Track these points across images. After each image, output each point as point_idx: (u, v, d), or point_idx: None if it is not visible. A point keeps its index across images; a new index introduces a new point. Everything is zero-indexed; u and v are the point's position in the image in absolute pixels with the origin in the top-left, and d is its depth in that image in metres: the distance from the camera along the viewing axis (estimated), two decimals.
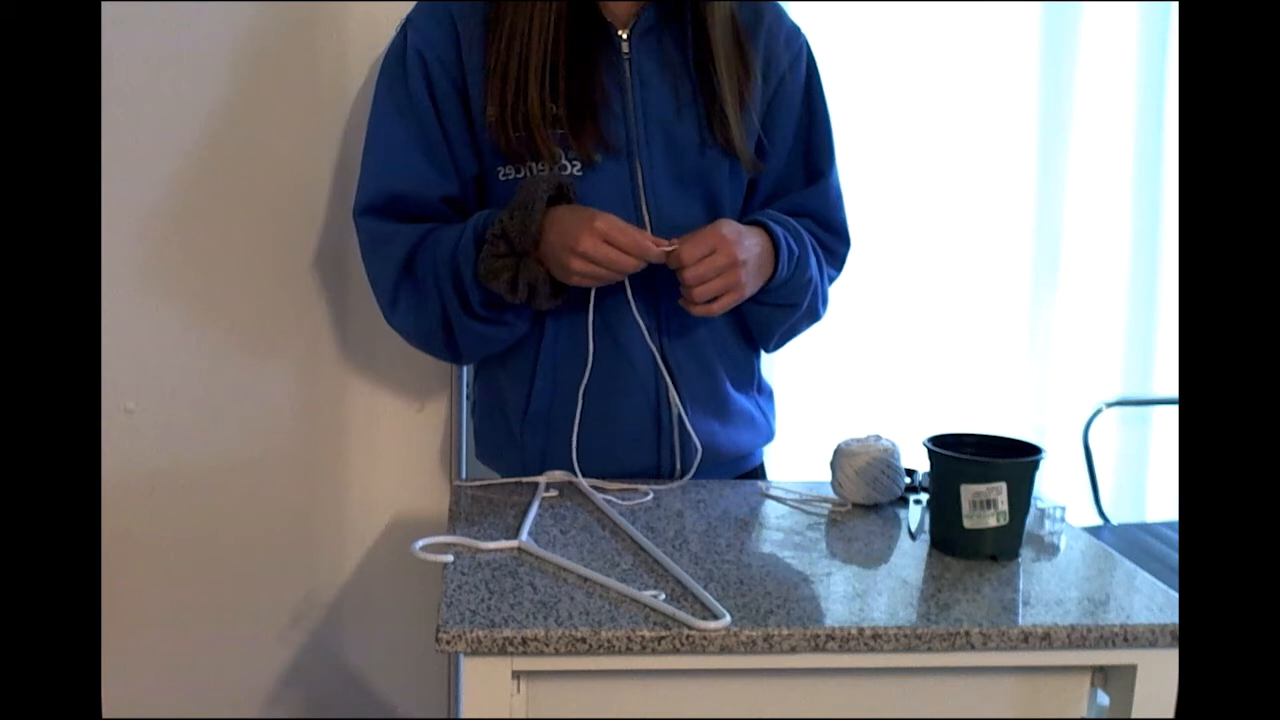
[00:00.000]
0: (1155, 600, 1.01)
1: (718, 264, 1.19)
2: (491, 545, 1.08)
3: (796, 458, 1.74)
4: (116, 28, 1.31)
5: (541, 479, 1.28)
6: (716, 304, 1.21)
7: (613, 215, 1.17)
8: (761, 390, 1.43)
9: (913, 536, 1.16)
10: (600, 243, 1.15)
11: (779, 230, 1.27)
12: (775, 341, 1.41)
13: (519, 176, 1.25)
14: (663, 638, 0.91)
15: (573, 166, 1.24)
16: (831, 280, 1.43)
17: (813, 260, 1.33)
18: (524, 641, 0.90)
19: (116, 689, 1.43)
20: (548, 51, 1.22)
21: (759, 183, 1.37)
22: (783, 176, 1.37)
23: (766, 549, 1.11)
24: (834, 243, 1.41)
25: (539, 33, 1.22)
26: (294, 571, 1.48)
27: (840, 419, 1.97)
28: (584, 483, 1.26)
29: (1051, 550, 1.13)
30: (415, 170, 1.26)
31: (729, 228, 1.21)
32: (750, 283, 1.23)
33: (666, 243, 1.19)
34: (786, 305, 1.33)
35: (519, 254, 1.18)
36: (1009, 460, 1.08)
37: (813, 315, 1.39)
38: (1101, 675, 1.01)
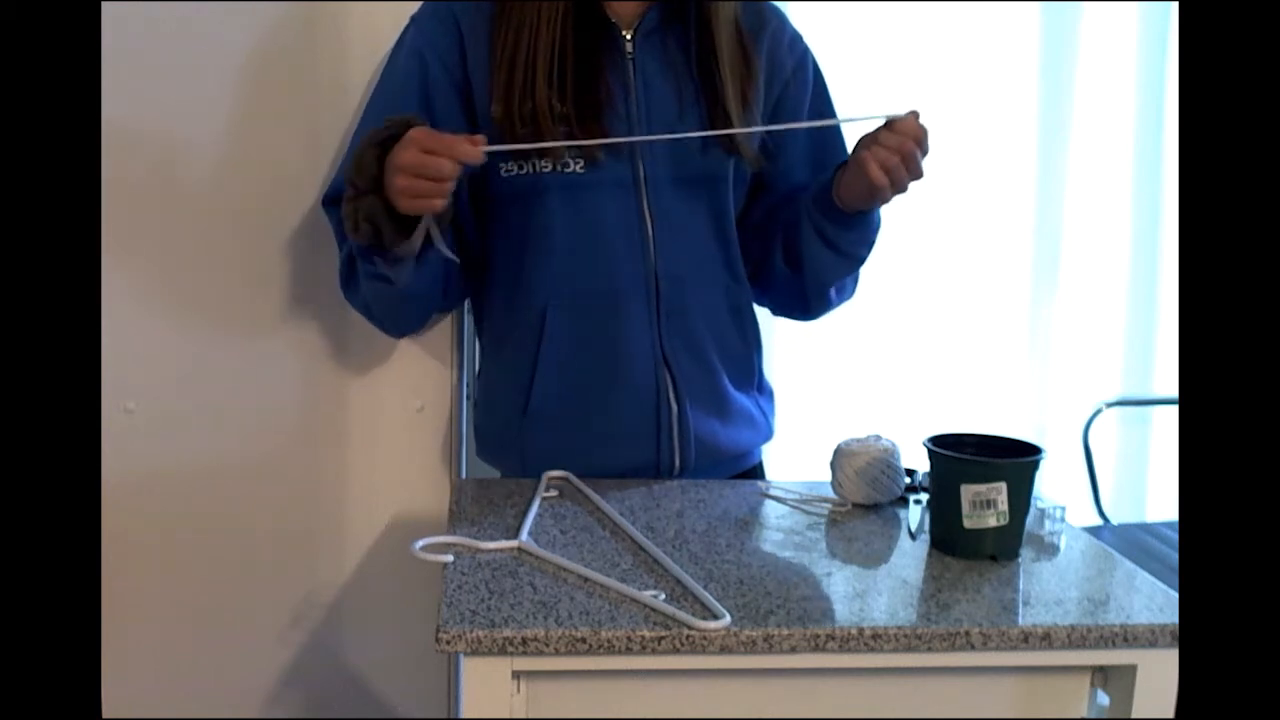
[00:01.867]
0: (1155, 600, 1.01)
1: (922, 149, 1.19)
2: (491, 545, 1.08)
3: (796, 458, 1.74)
4: (117, 28, 1.31)
5: (542, 478, 1.28)
6: (895, 187, 1.20)
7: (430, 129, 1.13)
8: (762, 390, 1.43)
9: (913, 536, 1.16)
10: (418, 152, 1.10)
11: None
12: (824, 302, 1.41)
13: (521, 173, 1.25)
14: (663, 638, 0.91)
15: (576, 164, 1.25)
16: None
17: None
18: (524, 641, 0.90)
19: (116, 689, 1.43)
20: (554, 50, 1.22)
21: (772, 185, 1.38)
22: (795, 183, 1.38)
23: (766, 549, 1.11)
24: None
25: (545, 31, 1.22)
26: (294, 571, 1.48)
27: (840, 419, 1.97)
28: (580, 482, 1.27)
29: (1051, 550, 1.13)
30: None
31: None
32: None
33: (483, 139, 1.12)
34: (853, 256, 1.33)
35: (362, 193, 1.15)
36: (1009, 460, 1.08)
37: (855, 283, 1.42)
38: (1101, 675, 1.01)
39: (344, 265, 1.29)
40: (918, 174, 1.20)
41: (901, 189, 1.21)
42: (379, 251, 1.19)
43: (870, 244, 1.34)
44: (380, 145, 1.14)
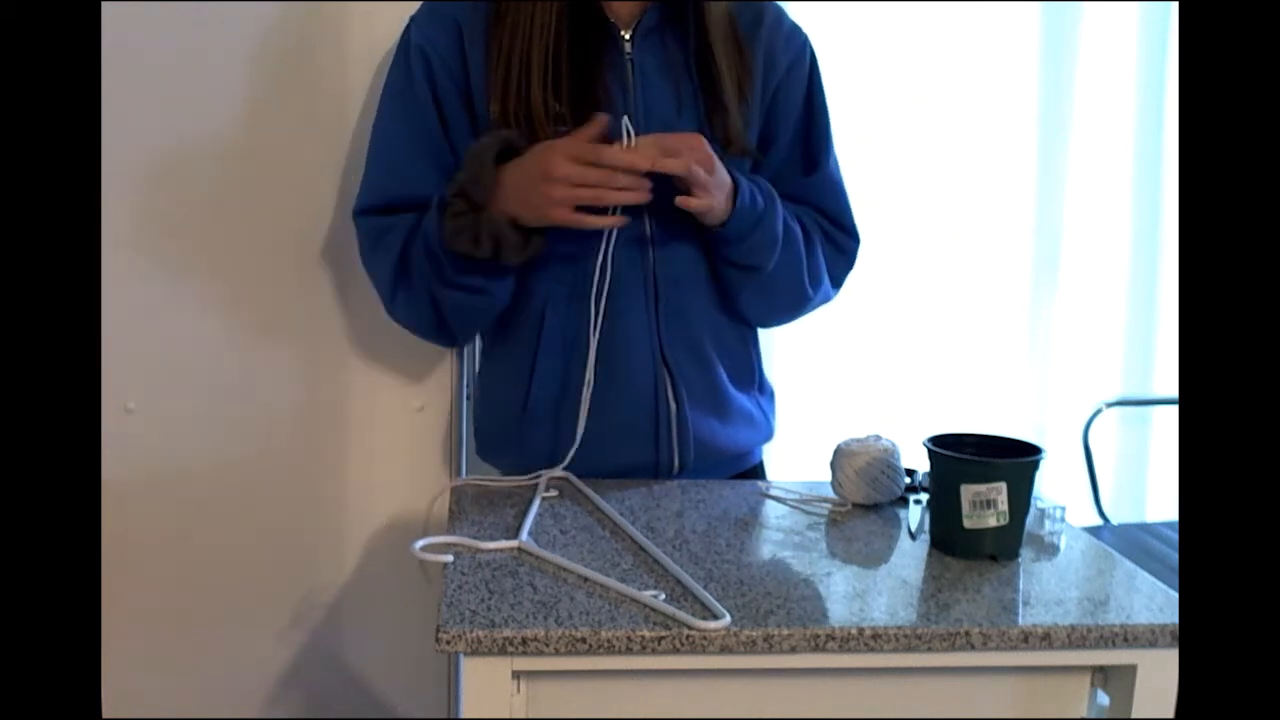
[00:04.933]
0: (1155, 600, 1.01)
1: (690, 143, 1.18)
2: (491, 545, 1.08)
3: (796, 458, 1.74)
4: (120, 28, 1.31)
5: (542, 478, 1.28)
6: (694, 196, 1.19)
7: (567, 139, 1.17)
8: (763, 390, 1.43)
9: (913, 536, 1.16)
10: (571, 163, 1.14)
11: (743, 180, 1.25)
12: (752, 312, 1.37)
13: None
14: (663, 638, 0.91)
15: None
16: (839, 278, 1.42)
17: (784, 226, 1.30)
18: (524, 641, 0.90)
19: (116, 689, 1.43)
20: (550, 49, 1.23)
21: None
22: (782, 170, 1.38)
23: (766, 549, 1.11)
24: (841, 238, 1.41)
25: (541, 31, 1.22)
26: (294, 571, 1.48)
27: (840, 419, 1.97)
28: (580, 482, 1.27)
29: (1051, 550, 1.13)
30: (416, 171, 1.26)
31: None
32: (718, 190, 1.21)
33: (629, 141, 1.16)
34: (750, 267, 1.30)
35: (478, 208, 1.18)
36: (1009, 460, 1.08)
37: (796, 293, 1.36)
38: (1101, 675, 1.01)
39: (396, 278, 1.27)
40: (692, 174, 1.18)
41: (694, 190, 1.19)
42: (480, 265, 1.21)
43: (764, 249, 1.29)
44: (475, 159, 1.17)
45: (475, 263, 1.21)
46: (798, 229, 1.33)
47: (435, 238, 1.21)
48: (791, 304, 1.39)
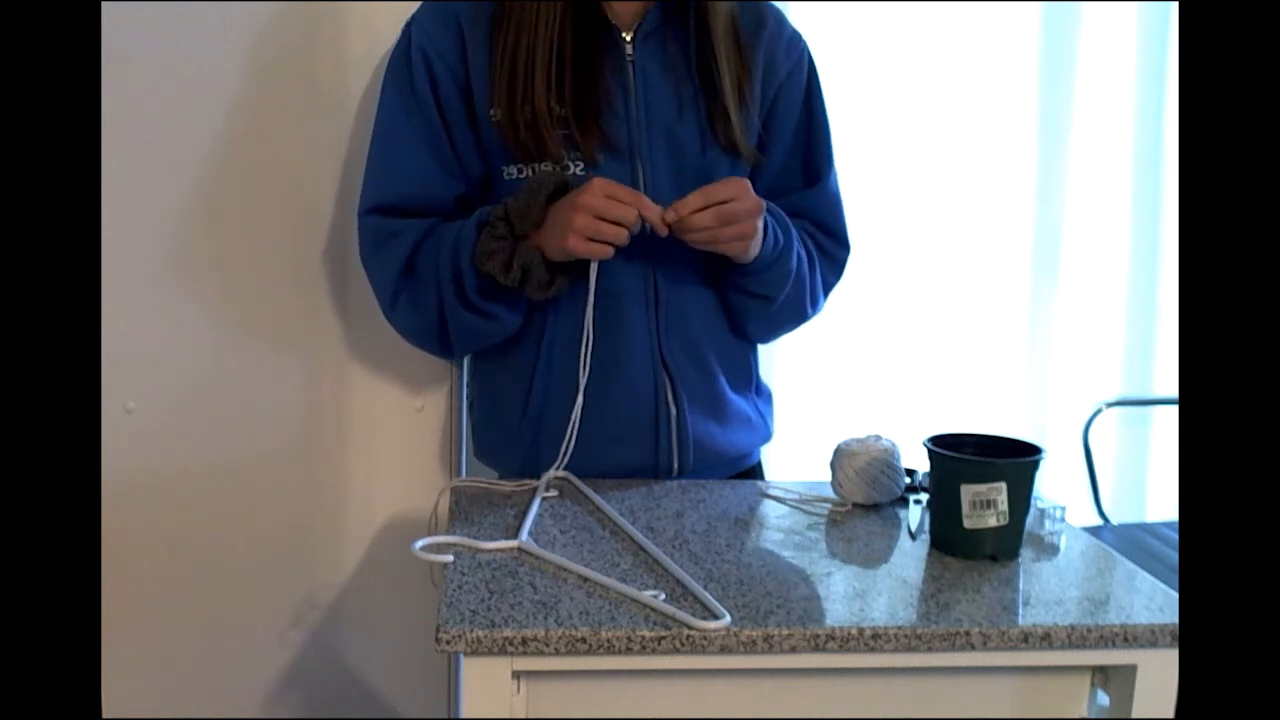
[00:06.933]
0: (1155, 600, 1.01)
1: (747, 207, 1.19)
2: (491, 545, 1.08)
3: (796, 458, 1.74)
4: (122, 30, 1.31)
5: (541, 479, 1.28)
6: (731, 243, 1.21)
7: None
8: (759, 392, 1.43)
9: (913, 536, 1.16)
10: (602, 195, 1.15)
11: (767, 217, 1.26)
12: (756, 334, 1.40)
13: (523, 176, 1.26)
14: (663, 638, 0.91)
15: (576, 166, 1.25)
16: (830, 286, 1.43)
17: (797, 257, 1.32)
18: (524, 641, 0.90)
19: (116, 689, 1.43)
20: (553, 52, 1.23)
21: (757, 185, 1.37)
22: (780, 179, 1.38)
23: (766, 549, 1.11)
24: (833, 248, 1.41)
25: (544, 33, 1.23)
26: (294, 571, 1.48)
27: (840, 419, 1.97)
28: (580, 482, 1.27)
29: (1051, 550, 1.13)
30: (421, 172, 1.26)
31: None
32: (759, 235, 1.23)
33: (665, 209, 1.18)
34: (762, 296, 1.32)
35: (517, 237, 1.20)
36: (1009, 460, 1.08)
37: (798, 314, 1.38)
38: (1101, 675, 1.01)
39: (399, 283, 1.27)
40: (741, 220, 1.20)
41: (738, 239, 1.21)
42: (501, 293, 1.22)
43: (777, 282, 1.31)
44: (547, 197, 1.19)
45: (497, 289, 1.22)
46: (805, 254, 1.34)
47: (466, 255, 1.21)
48: (792, 325, 1.41)
